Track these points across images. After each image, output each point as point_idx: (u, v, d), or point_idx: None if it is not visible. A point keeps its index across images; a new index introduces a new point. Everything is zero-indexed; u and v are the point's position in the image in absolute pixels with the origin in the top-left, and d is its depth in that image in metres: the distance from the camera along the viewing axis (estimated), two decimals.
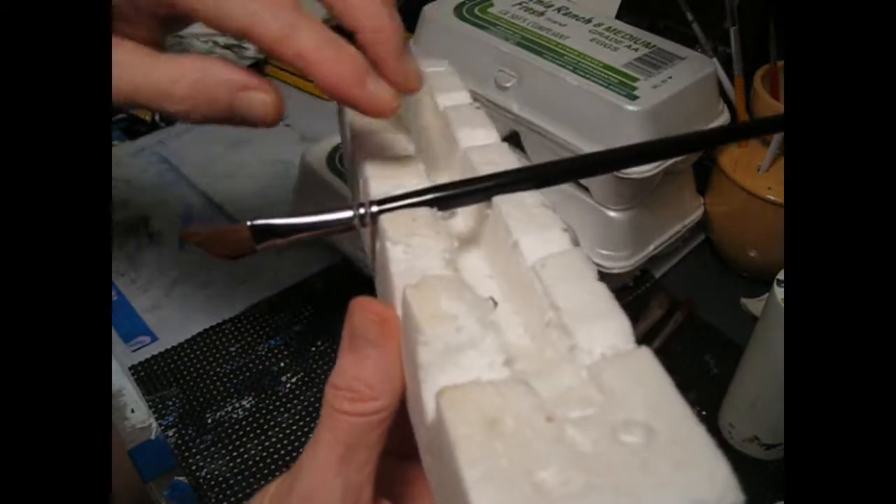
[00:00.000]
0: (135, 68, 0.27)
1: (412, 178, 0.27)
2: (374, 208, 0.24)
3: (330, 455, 0.21)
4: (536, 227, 0.24)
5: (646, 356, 0.19)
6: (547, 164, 0.26)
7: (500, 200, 0.25)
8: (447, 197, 0.25)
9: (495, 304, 0.23)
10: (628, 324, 0.20)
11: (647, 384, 0.18)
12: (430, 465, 0.20)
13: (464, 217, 0.27)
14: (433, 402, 0.18)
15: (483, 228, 0.26)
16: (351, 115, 0.30)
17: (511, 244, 0.23)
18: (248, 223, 0.25)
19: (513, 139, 0.54)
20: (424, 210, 0.24)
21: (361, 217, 0.24)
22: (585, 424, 0.17)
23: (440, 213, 0.24)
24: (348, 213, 0.24)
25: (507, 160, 0.27)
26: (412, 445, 0.22)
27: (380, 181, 0.26)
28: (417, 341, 0.19)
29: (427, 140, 0.31)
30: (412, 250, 0.23)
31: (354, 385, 0.22)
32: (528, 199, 0.25)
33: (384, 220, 0.24)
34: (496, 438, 0.17)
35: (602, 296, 0.21)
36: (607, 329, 0.20)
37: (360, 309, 0.22)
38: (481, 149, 0.28)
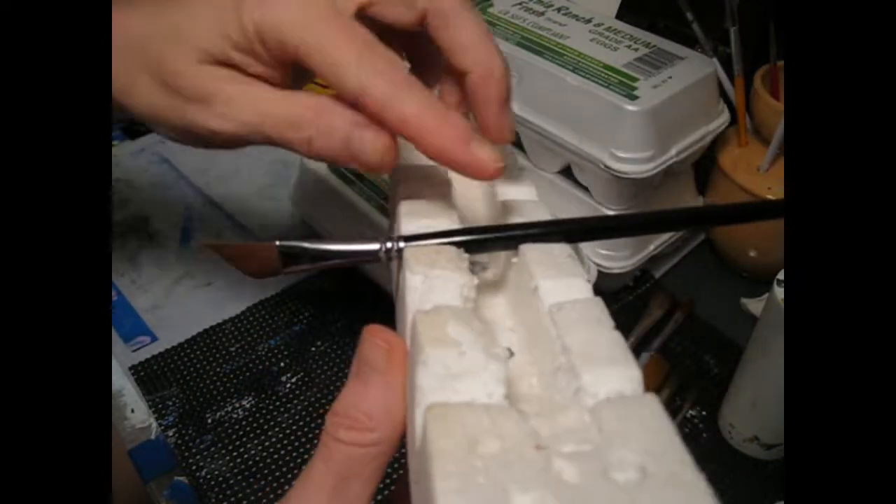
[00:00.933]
0: (263, 99, 0.29)
1: (445, 221, 0.26)
2: (402, 244, 0.24)
3: (321, 486, 0.21)
4: (559, 273, 0.23)
5: (651, 402, 0.18)
6: (579, 220, 0.27)
7: (527, 248, 0.25)
8: (476, 241, 0.25)
9: (511, 354, 0.23)
10: (639, 373, 0.19)
11: (649, 428, 0.17)
12: (415, 496, 0.20)
13: (493, 268, 0.27)
14: (422, 421, 0.18)
15: (509, 277, 0.26)
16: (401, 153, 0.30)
17: (532, 288, 0.23)
18: (277, 243, 0.25)
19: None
20: (449, 247, 0.24)
21: (388, 250, 0.24)
22: (576, 458, 0.17)
23: (467, 256, 0.24)
24: (375, 246, 0.25)
25: (542, 215, 0.27)
26: None
27: (412, 219, 0.26)
28: (417, 361, 0.19)
29: (467, 184, 0.31)
30: (430, 281, 0.23)
31: (353, 413, 0.21)
32: (556, 249, 0.25)
33: (409, 252, 0.24)
34: (477, 457, 0.16)
35: (617, 344, 0.20)
36: (616, 375, 0.19)
37: (370, 335, 0.22)
38: (518, 202, 0.28)
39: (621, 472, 0.16)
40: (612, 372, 0.19)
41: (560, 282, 0.23)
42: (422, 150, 0.26)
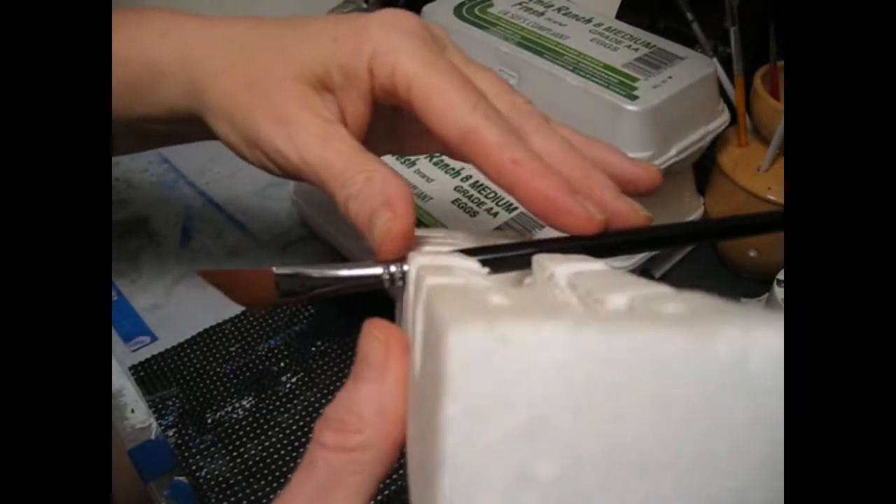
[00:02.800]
0: (332, 149, 0.28)
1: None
2: (405, 266, 0.23)
3: (296, 499, 0.18)
4: (573, 261, 0.22)
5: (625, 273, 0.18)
6: (600, 235, 0.26)
7: (539, 257, 0.24)
8: (490, 254, 0.24)
9: None
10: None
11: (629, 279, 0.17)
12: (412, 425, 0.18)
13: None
14: (423, 308, 0.16)
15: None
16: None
17: (547, 277, 0.21)
18: (275, 270, 0.23)
19: None
20: (461, 257, 0.23)
21: (392, 274, 0.23)
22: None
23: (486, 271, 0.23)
24: (377, 270, 0.23)
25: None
26: None
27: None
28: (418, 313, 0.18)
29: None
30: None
31: (342, 414, 0.19)
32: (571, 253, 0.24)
33: (416, 268, 0.22)
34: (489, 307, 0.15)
35: (635, 281, 0.19)
36: (597, 265, 0.19)
37: (368, 328, 0.20)
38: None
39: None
40: (592, 265, 0.19)
41: (575, 264, 0.21)
42: (524, 196, 0.25)
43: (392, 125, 0.33)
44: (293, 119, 0.29)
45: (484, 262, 0.23)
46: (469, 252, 0.23)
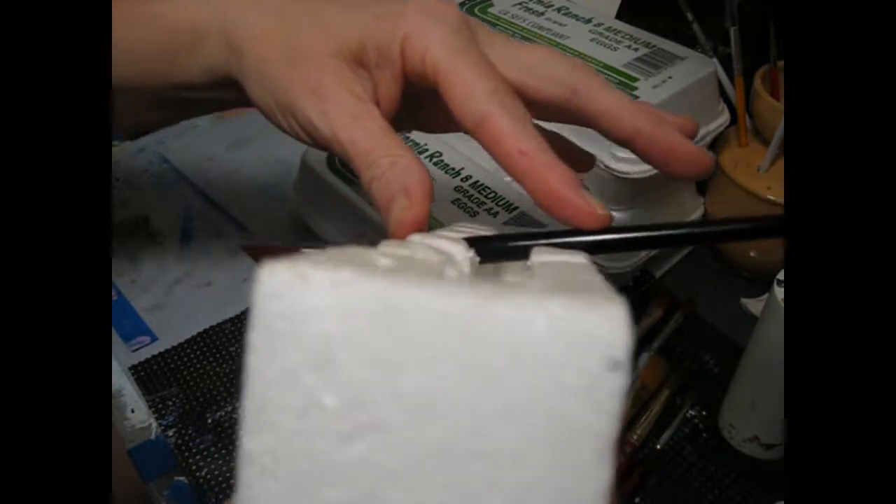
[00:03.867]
0: (362, 127, 0.29)
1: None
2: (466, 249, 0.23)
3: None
4: (562, 254, 0.22)
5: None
6: (602, 231, 0.26)
7: (538, 250, 0.23)
8: (487, 245, 0.24)
9: None
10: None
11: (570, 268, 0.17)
12: None
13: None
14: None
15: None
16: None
17: (524, 266, 0.22)
18: (303, 251, 0.24)
19: None
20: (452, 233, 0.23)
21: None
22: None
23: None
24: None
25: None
26: None
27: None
28: None
29: None
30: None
31: None
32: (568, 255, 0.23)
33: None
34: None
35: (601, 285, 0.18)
36: (578, 258, 0.19)
37: None
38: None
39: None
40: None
41: (556, 255, 0.21)
42: (531, 186, 0.26)
43: (420, 104, 0.34)
44: (329, 95, 0.30)
45: (479, 252, 0.23)
46: (472, 241, 0.23)
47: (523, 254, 0.24)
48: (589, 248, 0.25)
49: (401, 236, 0.27)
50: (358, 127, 0.29)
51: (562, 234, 0.25)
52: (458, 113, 0.28)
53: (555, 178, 0.26)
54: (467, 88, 0.28)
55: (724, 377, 0.47)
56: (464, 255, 0.21)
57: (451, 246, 0.21)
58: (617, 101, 0.29)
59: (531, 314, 0.12)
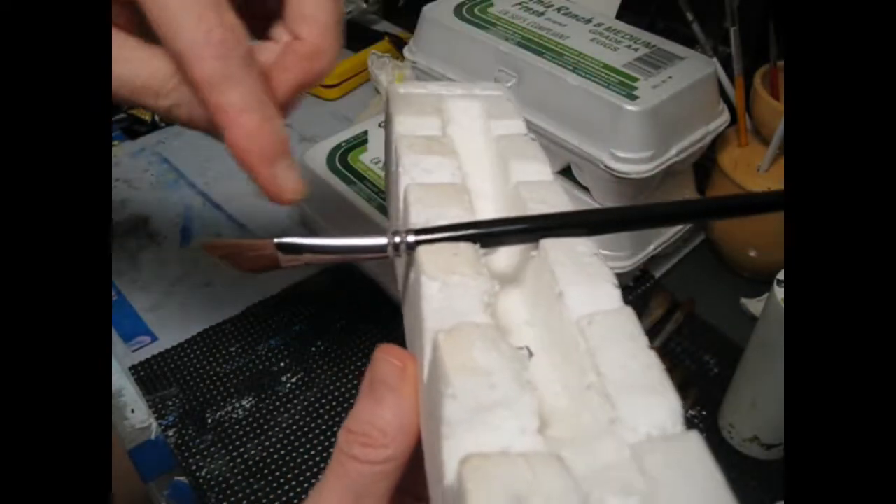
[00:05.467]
0: (120, 58, 0.25)
1: (456, 209, 0.24)
2: (412, 238, 0.22)
3: (331, 501, 0.21)
4: (586, 278, 0.22)
5: (696, 443, 0.17)
6: (603, 211, 0.25)
7: (548, 244, 0.23)
8: (492, 234, 0.23)
9: (531, 354, 0.21)
10: (678, 403, 0.18)
11: (695, 476, 0.16)
12: None
13: (507, 254, 0.25)
14: (455, 465, 0.17)
15: (526, 269, 0.24)
16: (399, 129, 0.28)
17: (556, 294, 0.21)
18: (275, 241, 0.23)
19: None
20: (467, 246, 0.22)
21: (396, 246, 0.22)
22: None
23: (482, 251, 0.23)
24: (382, 241, 0.23)
25: (560, 201, 0.25)
26: (426, 487, 0.21)
27: (421, 208, 0.24)
28: (445, 394, 0.18)
29: (477, 168, 0.29)
30: (449, 289, 0.21)
31: (368, 430, 0.21)
32: (580, 247, 0.23)
33: (422, 252, 0.22)
34: None
35: (653, 367, 0.19)
36: (655, 406, 0.18)
37: (384, 354, 0.22)
38: (533, 185, 0.26)
39: None
40: (651, 402, 0.18)
41: (588, 289, 0.21)
42: (227, 144, 0.24)
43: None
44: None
45: (486, 244, 0.23)
46: (473, 234, 0.23)
47: (524, 239, 0.23)
48: (595, 228, 0.24)
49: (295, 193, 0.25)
50: (115, 62, 0.25)
51: (565, 216, 0.24)
52: (163, 41, 0.24)
53: (250, 146, 0.24)
54: (170, 12, 0.23)
55: (724, 377, 0.47)
56: (491, 296, 0.21)
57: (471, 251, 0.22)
58: (238, 118, 0.24)
59: None
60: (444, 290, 0.21)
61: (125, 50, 0.25)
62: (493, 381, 0.18)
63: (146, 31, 0.27)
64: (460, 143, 0.29)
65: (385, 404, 0.21)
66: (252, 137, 0.24)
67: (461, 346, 0.19)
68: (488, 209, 0.28)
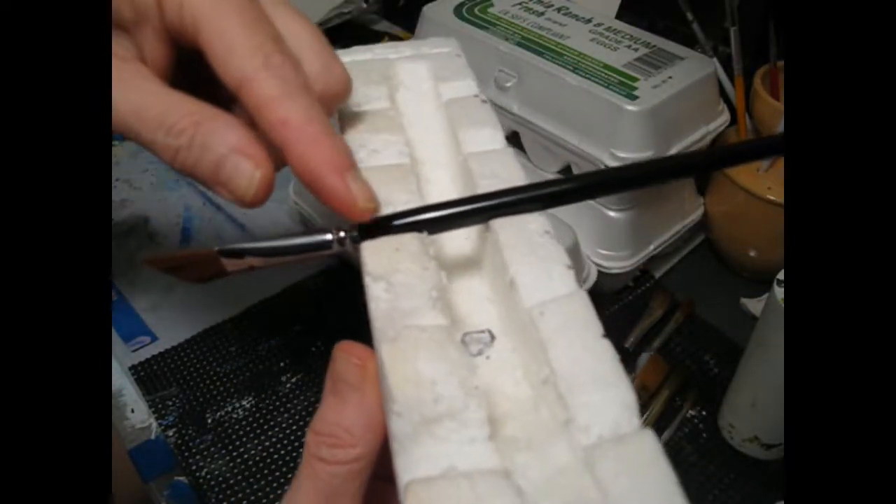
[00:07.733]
0: (140, 89, 0.25)
1: (402, 194, 0.24)
2: (356, 233, 0.22)
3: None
4: (537, 260, 0.21)
5: (649, 444, 0.17)
6: (553, 182, 0.23)
7: (498, 224, 0.22)
8: (437, 219, 0.22)
9: (493, 337, 0.21)
10: (632, 396, 0.18)
11: (647, 482, 0.16)
12: None
13: (464, 233, 0.25)
14: (404, 487, 0.17)
15: (485, 248, 0.24)
16: (343, 114, 0.27)
17: (508, 282, 0.21)
18: (217, 249, 0.23)
19: (513, 139, 0.54)
20: (411, 238, 0.22)
21: (341, 241, 0.22)
22: None
23: (431, 239, 0.22)
24: (327, 237, 0.22)
25: (512, 173, 0.24)
26: None
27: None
28: (392, 410, 0.18)
29: (429, 134, 0.28)
30: (394, 289, 0.21)
31: (335, 430, 0.21)
32: (531, 225, 0.22)
33: (365, 249, 0.22)
34: None
35: (606, 358, 0.19)
36: (609, 402, 0.18)
37: (342, 352, 0.21)
38: (484, 156, 0.25)
39: None
40: (604, 398, 0.18)
41: (539, 272, 0.21)
42: (291, 162, 0.23)
43: (196, 71, 0.28)
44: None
45: (433, 230, 0.22)
46: (418, 222, 0.22)
47: (474, 222, 0.23)
48: (548, 202, 0.23)
49: (257, 204, 0.24)
50: (133, 90, 0.25)
51: (512, 191, 0.23)
52: (221, 73, 0.24)
53: (318, 156, 0.23)
54: (227, 43, 0.24)
55: (724, 377, 0.47)
56: (439, 290, 0.21)
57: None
58: (304, 129, 0.23)
59: None
60: (390, 291, 0.21)
61: (146, 83, 0.25)
62: (438, 391, 0.18)
63: (175, 80, 0.27)
64: (411, 110, 0.28)
65: (350, 404, 0.21)
66: (321, 146, 0.23)
67: (405, 357, 0.19)
68: (443, 179, 0.27)
